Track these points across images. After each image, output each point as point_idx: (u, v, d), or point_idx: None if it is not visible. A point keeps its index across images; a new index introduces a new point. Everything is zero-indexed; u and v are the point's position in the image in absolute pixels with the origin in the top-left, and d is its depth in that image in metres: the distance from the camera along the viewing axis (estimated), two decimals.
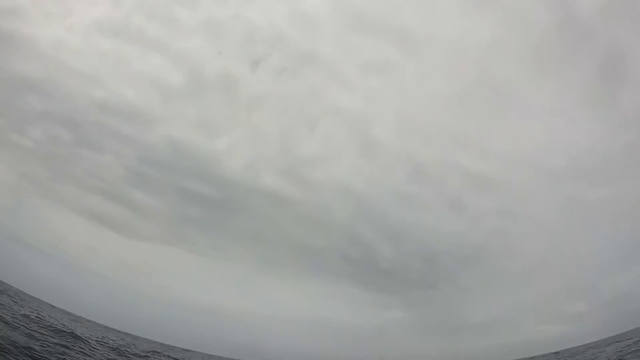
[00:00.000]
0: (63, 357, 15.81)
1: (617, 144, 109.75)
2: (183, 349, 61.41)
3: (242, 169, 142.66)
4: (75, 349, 19.44)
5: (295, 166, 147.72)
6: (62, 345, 19.11)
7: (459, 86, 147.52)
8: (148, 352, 31.95)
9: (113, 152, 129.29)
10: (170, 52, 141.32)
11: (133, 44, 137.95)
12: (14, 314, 24.58)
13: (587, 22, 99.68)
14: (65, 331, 27.98)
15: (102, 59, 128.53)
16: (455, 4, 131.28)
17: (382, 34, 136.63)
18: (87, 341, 25.29)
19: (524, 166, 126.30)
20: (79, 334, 29.02)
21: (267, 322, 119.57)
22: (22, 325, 21.07)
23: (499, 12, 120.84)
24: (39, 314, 33.66)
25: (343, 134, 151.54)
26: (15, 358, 11.97)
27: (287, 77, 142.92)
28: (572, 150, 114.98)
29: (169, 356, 34.03)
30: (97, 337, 32.87)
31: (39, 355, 13.82)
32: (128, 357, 23.40)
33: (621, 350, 26.45)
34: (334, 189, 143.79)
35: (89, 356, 19.09)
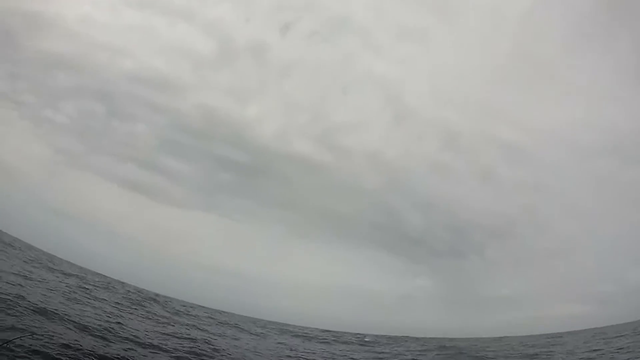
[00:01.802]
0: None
1: None
2: (213, 309, 64.35)
3: (273, 135, 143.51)
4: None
5: (327, 133, 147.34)
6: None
7: (495, 57, 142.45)
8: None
9: (145, 121, 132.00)
10: (198, 21, 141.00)
11: (161, 15, 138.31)
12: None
13: None
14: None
15: (131, 32, 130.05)
16: None
17: None
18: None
19: (559, 141, 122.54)
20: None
21: (295, 287, 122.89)
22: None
23: None
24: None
25: (376, 101, 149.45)
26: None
27: (318, 41, 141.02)
28: (608, 127, 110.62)
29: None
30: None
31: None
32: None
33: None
34: (365, 156, 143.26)
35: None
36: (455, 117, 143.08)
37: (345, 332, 51.84)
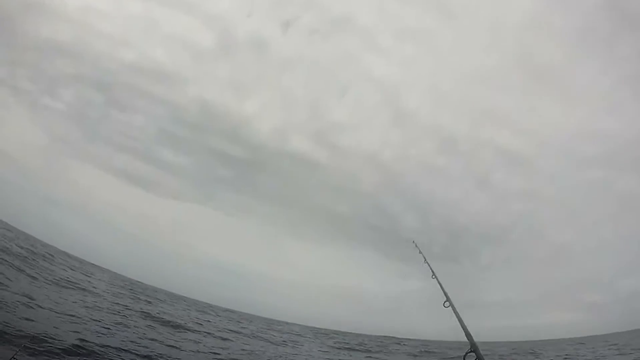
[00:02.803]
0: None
1: None
2: (206, 304, 64.29)
3: (270, 132, 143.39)
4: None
5: (324, 131, 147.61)
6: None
7: (496, 61, 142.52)
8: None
9: (143, 112, 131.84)
10: (200, 13, 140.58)
11: (162, 6, 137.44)
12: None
13: (634, 5, 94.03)
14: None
15: (132, 22, 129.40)
16: None
17: (419, 0, 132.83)
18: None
19: (555, 149, 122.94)
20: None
21: (287, 285, 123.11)
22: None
23: None
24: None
25: (374, 101, 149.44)
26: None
27: (318, 40, 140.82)
28: (605, 136, 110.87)
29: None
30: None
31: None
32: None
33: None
34: (362, 156, 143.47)
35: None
36: (453, 120, 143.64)
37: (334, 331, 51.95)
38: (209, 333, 21.82)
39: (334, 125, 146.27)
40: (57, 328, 11.89)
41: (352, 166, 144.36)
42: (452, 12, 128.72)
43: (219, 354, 15.84)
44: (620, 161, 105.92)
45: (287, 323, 53.59)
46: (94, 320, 15.02)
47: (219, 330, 24.76)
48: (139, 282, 61.56)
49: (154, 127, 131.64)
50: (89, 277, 33.77)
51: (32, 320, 11.74)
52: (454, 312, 5.62)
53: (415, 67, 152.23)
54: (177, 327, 20.65)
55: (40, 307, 13.95)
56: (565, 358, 22.32)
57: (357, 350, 28.54)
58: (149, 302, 30.65)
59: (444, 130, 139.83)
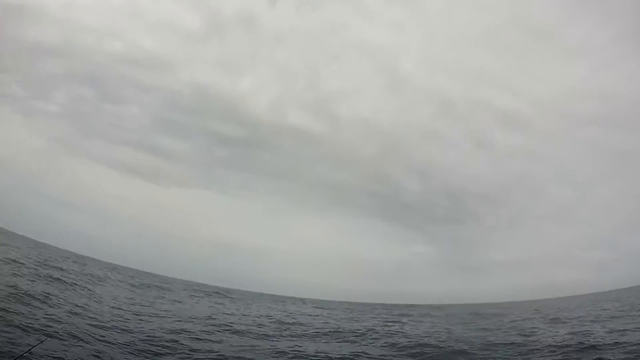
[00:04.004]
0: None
1: None
2: (220, 287, 65.48)
3: (267, 107, 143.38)
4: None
5: (321, 102, 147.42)
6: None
7: (489, 22, 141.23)
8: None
9: (137, 102, 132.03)
10: None
11: None
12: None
13: None
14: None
15: (116, 12, 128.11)
16: None
17: None
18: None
19: (554, 108, 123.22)
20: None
21: (294, 258, 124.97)
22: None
23: None
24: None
25: (369, 68, 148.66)
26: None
27: (307, 10, 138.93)
28: (604, 94, 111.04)
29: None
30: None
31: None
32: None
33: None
34: (360, 124, 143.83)
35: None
36: (449, 84, 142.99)
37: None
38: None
39: (331, 94, 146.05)
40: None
41: (351, 135, 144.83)
42: None
43: None
44: (619, 119, 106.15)
45: (302, 300, 54.82)
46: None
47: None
48: (152, 273, 62.87)
49: (149, 116, 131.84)
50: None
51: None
52: None
53: (408, 31, 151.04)
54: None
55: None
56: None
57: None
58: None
59: (441, 94, 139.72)
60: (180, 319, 18.73)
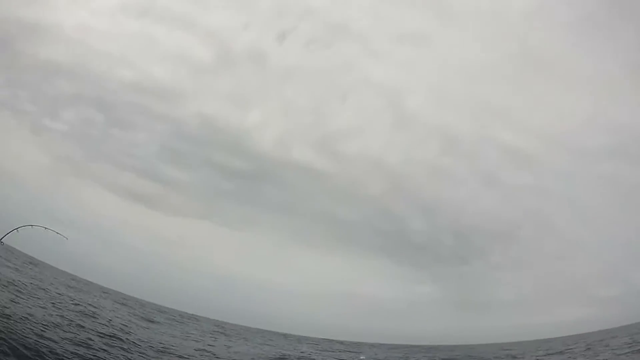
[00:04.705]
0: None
1: None
2: (217, 320, 63.63)
3: (273, 142, 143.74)
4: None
5: (328, 139, 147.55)
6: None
7: (496, 57, 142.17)
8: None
9: (145, 130, 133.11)
10: (197, 29, 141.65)
11: (159, 23, 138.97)
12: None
13: None
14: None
15: (129, 40, 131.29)
16: None
17: (416, 2, 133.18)
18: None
19: (563, 143, 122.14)
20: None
21: (297, 295, 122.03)
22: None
23: None
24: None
25: (376, 106, 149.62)
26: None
27: (316, 48, 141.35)
28: (614, 127, 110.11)
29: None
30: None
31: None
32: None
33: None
34: (366, 161, 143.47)
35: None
36: (456, 120, 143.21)
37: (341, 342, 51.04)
38: None
39: (337, 132, 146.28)
40: None
41: (357, 172, 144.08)
42: (450, 11, 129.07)
43: None
44: (631, 152, 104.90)
45: (305, 337, 52.71)
46: None
47: None
48: (150, 302, 61.19)
49: (156, 144, 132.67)
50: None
51: None
52: None
53: (415, 70, 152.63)
54: None
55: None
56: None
57: None
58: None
59: (448, 131, 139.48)
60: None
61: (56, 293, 26.13)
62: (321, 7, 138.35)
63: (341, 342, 49.22)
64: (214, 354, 20.48)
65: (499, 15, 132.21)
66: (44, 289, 25.03)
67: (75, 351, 12.38)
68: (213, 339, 30.11)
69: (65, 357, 11.54)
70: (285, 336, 52.44)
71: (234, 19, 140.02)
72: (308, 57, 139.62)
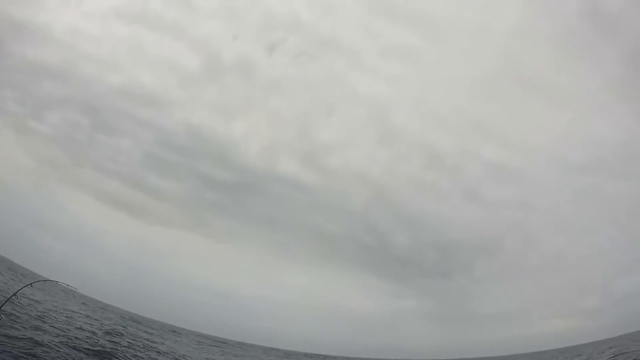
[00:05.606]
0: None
1: None
2: (198, 333, 62.57)
3: (259, 154, 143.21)
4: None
5: (313, 152, 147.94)
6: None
7: (480, 73, 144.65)
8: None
9: (130, 136, 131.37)
10: (186, 37, 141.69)
11: (150, 30, 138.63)
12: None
13: (615, 10, 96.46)
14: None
15: (119, 45, 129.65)
16: None
17: (403, 18, 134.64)
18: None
19: (544, 157, 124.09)
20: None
21: (281, 308, 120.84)
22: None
23: None
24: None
25: (361, 120, 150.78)
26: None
27: (304, 61, 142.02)
28: (593, 141, 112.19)
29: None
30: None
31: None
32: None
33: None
34: (351, 175, 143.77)
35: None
36: (440, 135, 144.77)
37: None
38: None
39: (322, 145, 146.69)
40: None
41: (342, 185, 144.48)
42: (435, 27, 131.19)
43: None
44: (609, 166, 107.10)
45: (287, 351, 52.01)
46: None
47: None
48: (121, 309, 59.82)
49: (141, 151, 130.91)
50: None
51: None
52: None
53: (401, 84, 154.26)
54: None
55: None
56: None
57: None
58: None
59: (432, 146, 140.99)
60: None
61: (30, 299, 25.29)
62: (310, 21, 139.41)
63: (324, 357, 48.63)
64: None
65: (482, 32, 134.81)
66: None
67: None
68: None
69: None
70: (267, 351, 51.58)
71: (224, 29, 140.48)
72: (296, 70, 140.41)
